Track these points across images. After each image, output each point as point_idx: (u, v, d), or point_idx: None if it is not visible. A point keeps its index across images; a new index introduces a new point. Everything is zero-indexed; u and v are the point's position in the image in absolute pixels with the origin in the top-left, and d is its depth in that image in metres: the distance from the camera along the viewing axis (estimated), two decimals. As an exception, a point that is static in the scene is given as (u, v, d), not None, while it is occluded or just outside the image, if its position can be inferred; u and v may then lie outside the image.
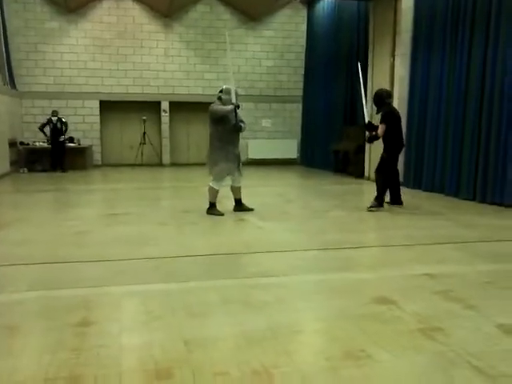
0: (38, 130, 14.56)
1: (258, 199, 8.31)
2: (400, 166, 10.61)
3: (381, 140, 7.95)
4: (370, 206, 7.79)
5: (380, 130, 7.79)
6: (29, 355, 2.82)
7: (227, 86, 7.43)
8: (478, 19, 8.72)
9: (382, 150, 8.07)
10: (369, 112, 8.30)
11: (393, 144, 7.92)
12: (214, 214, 7.32)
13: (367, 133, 8.29)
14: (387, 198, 8.10)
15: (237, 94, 7.25)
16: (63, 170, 14.43)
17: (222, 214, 7.35)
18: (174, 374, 2.59)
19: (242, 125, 7.42)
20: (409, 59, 10.70)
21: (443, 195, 9.46)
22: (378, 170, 8.04)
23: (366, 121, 8.17)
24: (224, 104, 7.30)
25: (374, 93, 8.38)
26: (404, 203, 8.10)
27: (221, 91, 7.45)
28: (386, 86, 11.05)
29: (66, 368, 2.65)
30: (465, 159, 9.02)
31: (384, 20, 11.23)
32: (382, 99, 7.98)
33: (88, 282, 4.22)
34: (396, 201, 8.15)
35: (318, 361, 2.78)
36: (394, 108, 8.25)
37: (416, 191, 10.19)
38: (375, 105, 8.14)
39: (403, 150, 8.57)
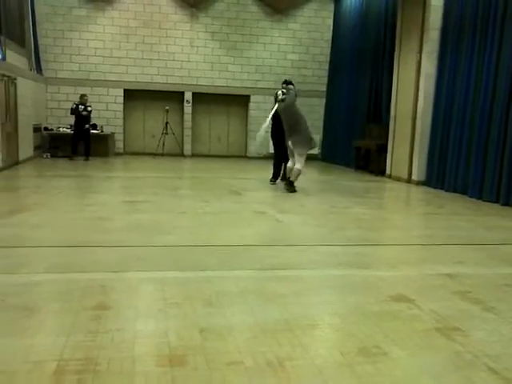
0: (66, 115, 14.64)
1: (278, 192, 8.28)
2: (422, 165, 10.62)
3: None
4: (272, 181, 10.12)
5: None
6: (44, 336, 2.84)
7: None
8: (509, 18, 8.54)
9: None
10: None
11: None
12: (295, 192, 8.91)
13: None
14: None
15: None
16: (87, 157, 14.14)
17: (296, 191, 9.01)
18: (188, 361, 2.59)
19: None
20: (436, 56, 10.54)
21: (466, 196, 9.32)
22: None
23: None
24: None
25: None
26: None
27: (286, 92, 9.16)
28: (412, 83, 10.94)
29: (81, 350, 2.67)
30: (489, 160, 8.86)
31: (412, 16, 11.08)
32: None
33: (106, 266, 4.24)
34: (284, 177, 9.89)
35: (333, 356, 2.75)
36: None
37: (438, 191, 10.07)
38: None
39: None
